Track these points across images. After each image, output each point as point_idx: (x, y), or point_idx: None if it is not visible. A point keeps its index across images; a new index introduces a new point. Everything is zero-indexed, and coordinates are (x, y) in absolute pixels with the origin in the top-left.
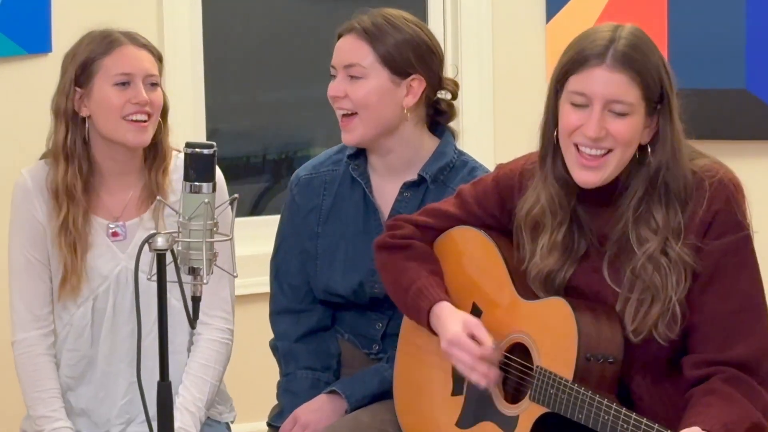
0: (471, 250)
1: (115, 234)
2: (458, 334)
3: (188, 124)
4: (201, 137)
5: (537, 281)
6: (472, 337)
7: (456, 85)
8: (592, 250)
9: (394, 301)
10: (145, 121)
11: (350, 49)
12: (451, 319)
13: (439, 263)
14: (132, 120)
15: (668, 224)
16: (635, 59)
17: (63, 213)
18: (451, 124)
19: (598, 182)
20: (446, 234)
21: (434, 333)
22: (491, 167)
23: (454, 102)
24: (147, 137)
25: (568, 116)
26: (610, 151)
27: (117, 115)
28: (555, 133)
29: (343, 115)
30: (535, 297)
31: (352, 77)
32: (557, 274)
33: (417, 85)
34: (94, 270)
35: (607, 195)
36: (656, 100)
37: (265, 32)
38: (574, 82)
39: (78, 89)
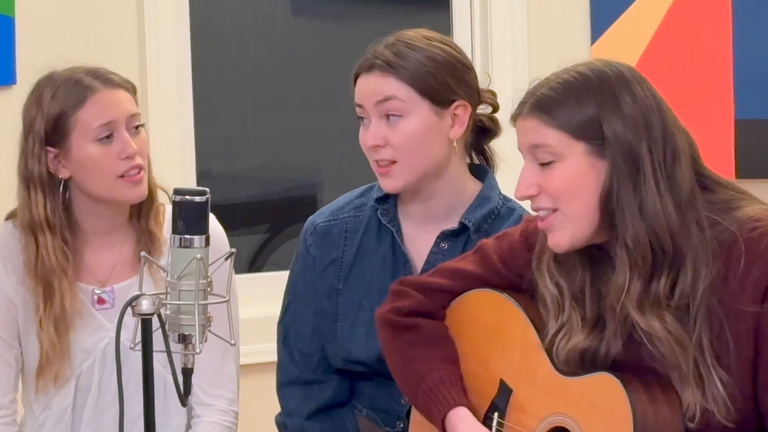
0: (493, 318)
1: (101, 301)
2: None
3: (176, 166)
4: (191, 181)
5: (572, 363)
6: None
7: (494, 95)
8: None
9: (401, 390)
10: (139, 173)
11: (377, 89)
12: None
13: (453, 344)
14: (128, 176)
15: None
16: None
17: (50, 294)
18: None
19: (565, 246)
20: (462, 299)
21: None
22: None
23: (496, 115)
24: (145, 189)
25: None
26: (554, 210)
27: (110, 175)
28: None
29: (380, 165)
30: (575, 373)
31: (389, 116)
32: (596, 352)
33: (462, 111)
34: (76, 345)
35: (604, 256)
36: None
37: (262, 57)
38: None
39: (51, 149)
